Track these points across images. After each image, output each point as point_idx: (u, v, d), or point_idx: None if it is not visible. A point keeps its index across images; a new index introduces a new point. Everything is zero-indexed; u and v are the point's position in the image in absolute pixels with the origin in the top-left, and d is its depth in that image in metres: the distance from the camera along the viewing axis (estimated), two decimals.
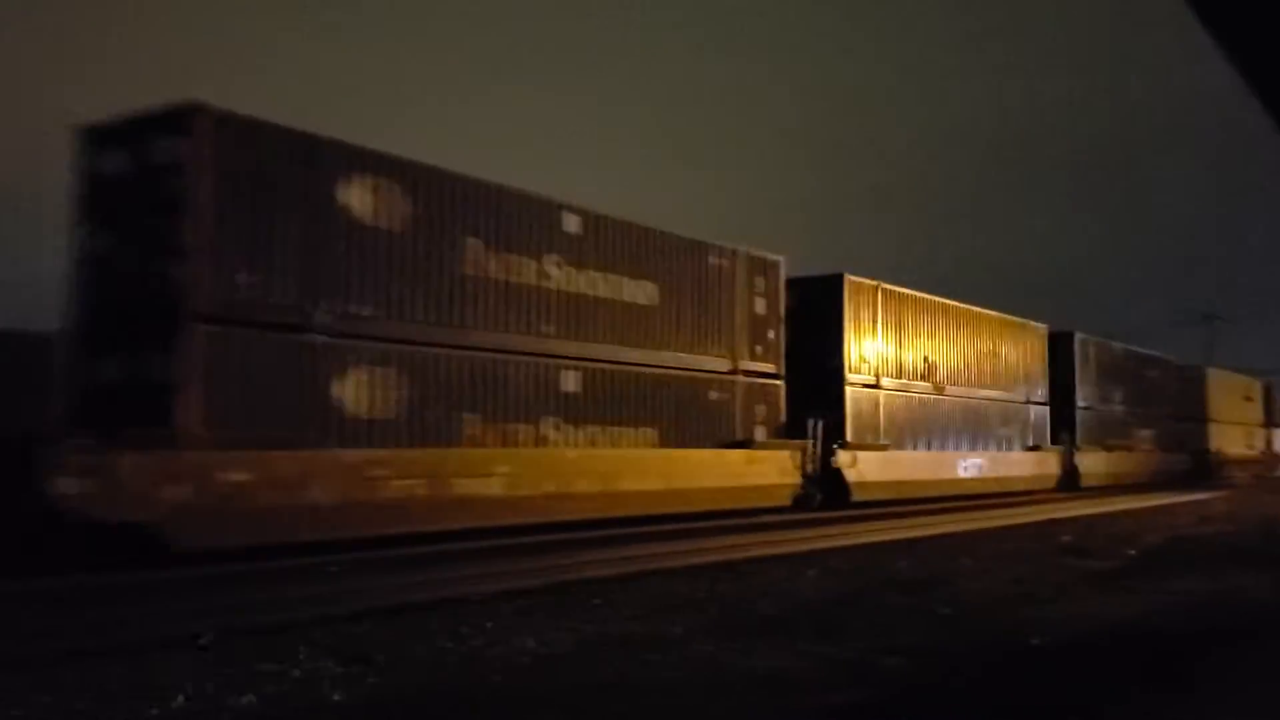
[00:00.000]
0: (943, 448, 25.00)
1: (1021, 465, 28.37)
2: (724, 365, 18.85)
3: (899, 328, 23.74)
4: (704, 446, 18.08)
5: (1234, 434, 45.42)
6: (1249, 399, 49.07)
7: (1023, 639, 7.96)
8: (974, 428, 26.39)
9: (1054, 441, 29.99)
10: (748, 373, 19.33)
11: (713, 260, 18.85)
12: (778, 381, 20.04)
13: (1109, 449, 32.88)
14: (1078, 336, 31.92)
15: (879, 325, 23.02)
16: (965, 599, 9.85)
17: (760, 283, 19.88)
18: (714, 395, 18.53)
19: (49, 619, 8.15)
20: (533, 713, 5.75)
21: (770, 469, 19.28)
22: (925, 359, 24.53)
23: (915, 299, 24.56)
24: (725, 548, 13.58)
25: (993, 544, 14.87)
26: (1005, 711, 5.98)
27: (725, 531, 15.37)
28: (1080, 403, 31.54)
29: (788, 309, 20.50)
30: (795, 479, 19.76)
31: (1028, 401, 29.16)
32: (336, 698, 5.88)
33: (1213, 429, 42.72)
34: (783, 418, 20.04)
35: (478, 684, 6.33)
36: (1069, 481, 29.96)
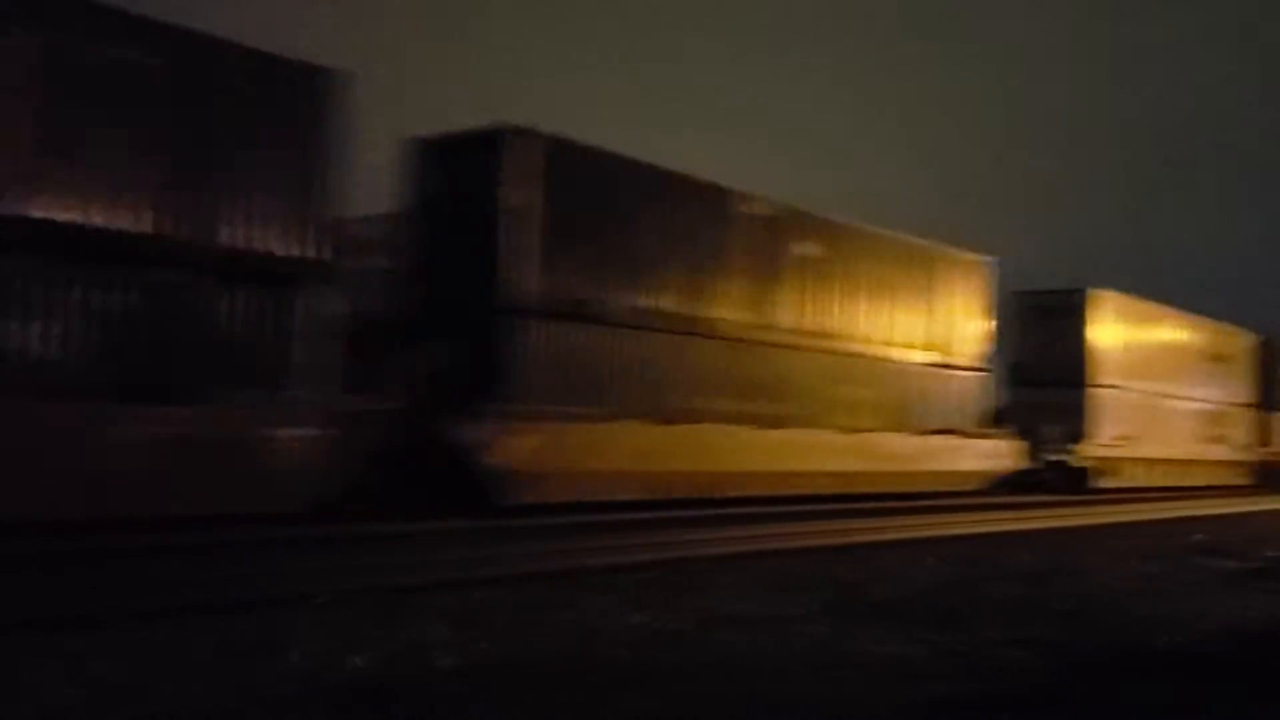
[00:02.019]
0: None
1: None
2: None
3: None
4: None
5: None
6: None
7: (1148, 639, 7.65)
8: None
9: None
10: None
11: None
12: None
13: None
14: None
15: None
16: (1094, 592, 9.53)
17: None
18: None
19: (184, 569, 8.48)
20: (642, 687, 5.71)
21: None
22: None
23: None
24: (841, 531, 13.42)
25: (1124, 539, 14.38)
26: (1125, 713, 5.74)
27: (841, 515, 15.18)
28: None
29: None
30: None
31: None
32: (448, 662, 5.95)
33: None
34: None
35: (590, 655, 6.34)
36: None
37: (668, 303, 15.78)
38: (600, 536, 11.48)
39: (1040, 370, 24.58)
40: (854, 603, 8.44)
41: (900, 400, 19.82)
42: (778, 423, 16.93)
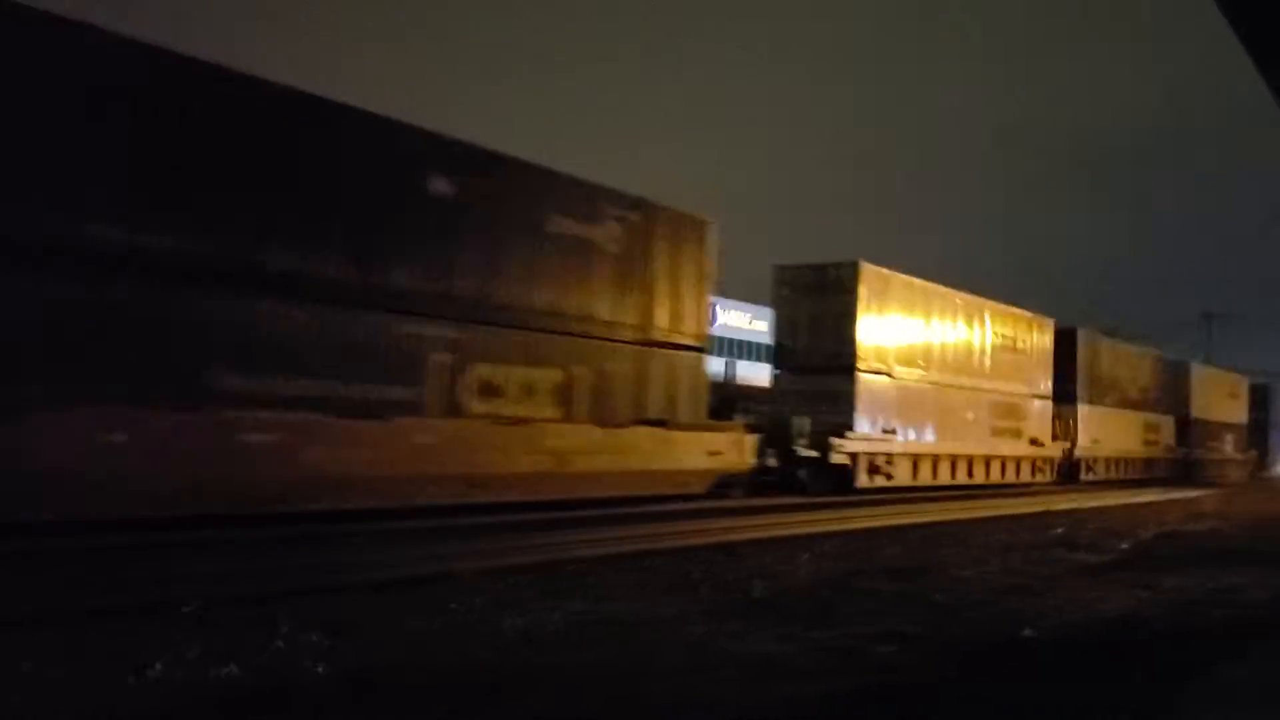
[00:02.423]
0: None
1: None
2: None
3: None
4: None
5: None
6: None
7: (1014, 630, 7.90)
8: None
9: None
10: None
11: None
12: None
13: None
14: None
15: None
16: (957, 587, 9.80)
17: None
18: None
19: (38, 576, 8.08)
20: (519, 692, 5.66)
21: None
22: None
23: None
24: (720, 530, 13.53)
25: (983, 534, 14.83)
26: (995, 703, 5.90)
27: (719, 514, 15.31)
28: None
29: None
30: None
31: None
32: (319, 670, 5.80)
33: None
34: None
35: (464, 661, 6.25)
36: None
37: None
38: (473, 539, 11.33)
39: (806, 355, 22.14)
40: (731, 601, 8.51)
41: (591, 384, 16.26)
42: (370, 410, 12.97)
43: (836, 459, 20.70)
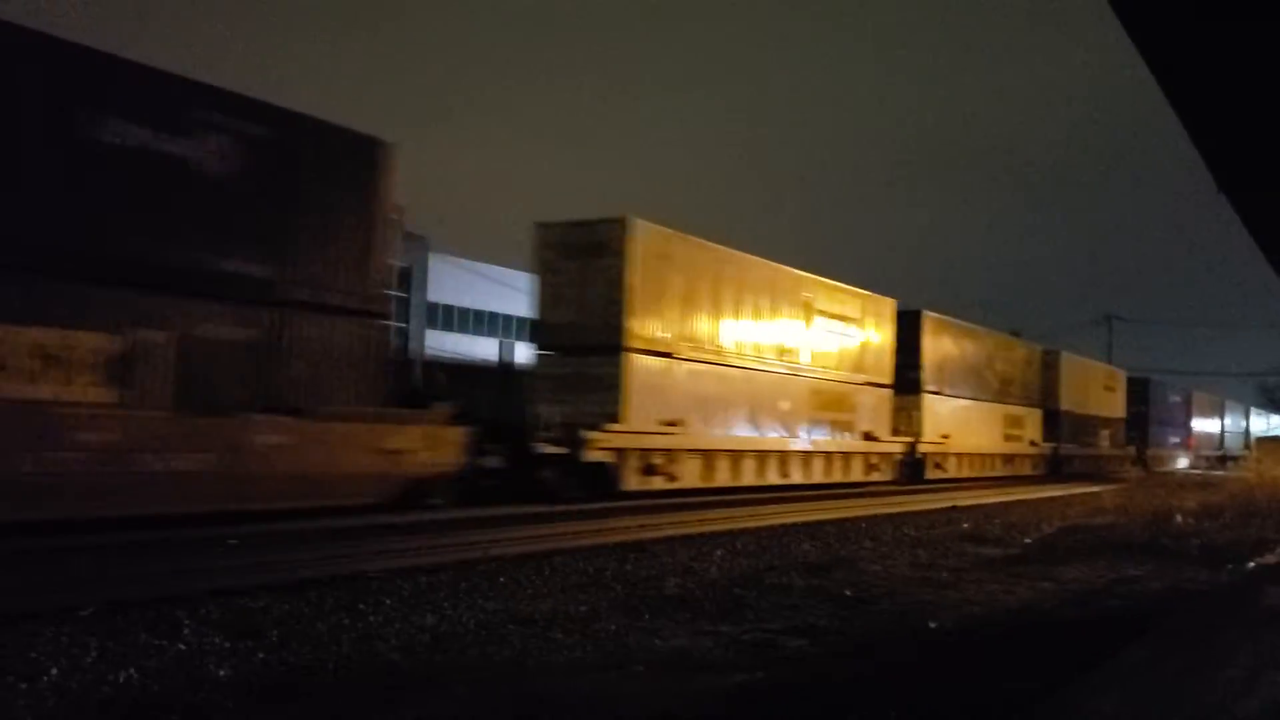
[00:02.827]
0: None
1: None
2: None
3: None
4: None
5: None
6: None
7: (922, 622, 8.05)
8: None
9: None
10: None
11: None
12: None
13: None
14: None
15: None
16: (867, 581, 9.96)
17: None
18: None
19: None
20: (428, 692, 5.60)
21: None
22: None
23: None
24: (635, 527, 13.54)
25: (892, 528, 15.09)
26: (902, 693, 6.01)
27: (635, 512, 15.31)
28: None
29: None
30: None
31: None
32: (222, 674, 5.68)
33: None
34: None
35: (373, 662, 6.17)
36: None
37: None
38: (382, 540, 11.16)
39: (569, 332, 18.05)
40: (645, 598, 8.53)
41: (173, 355, 11.87)
42: None
43: (593, 456, 16.82)
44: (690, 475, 19.12)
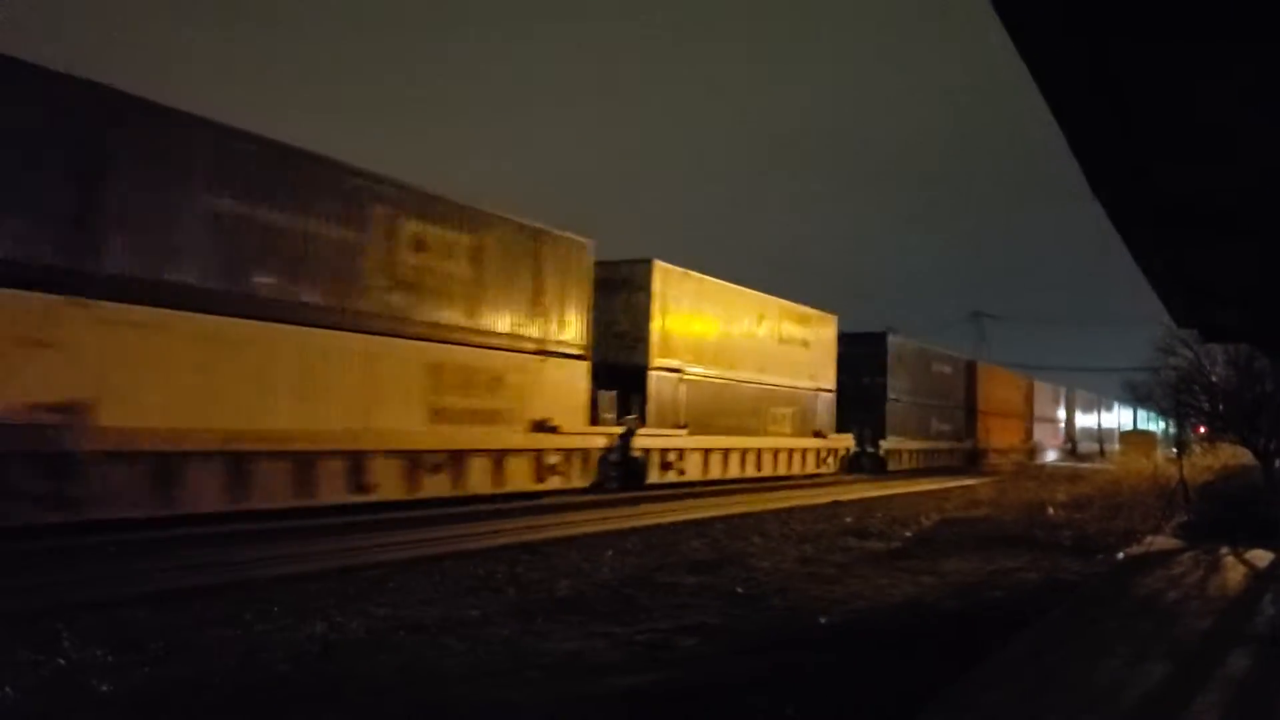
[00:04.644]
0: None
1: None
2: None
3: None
4: None
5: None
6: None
7: (812, 618, 8.20)
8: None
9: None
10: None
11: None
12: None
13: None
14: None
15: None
16: (756, 578, 10.10)
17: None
18: None
19: None
20: (318, 703, 5.50)
21: None
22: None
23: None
24: (525, 528, 13.48)
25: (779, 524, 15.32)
26: (793, 689, 6.12)
27: (525, 513, 15.25)
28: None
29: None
30: None
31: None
32: (105, 689, 5.48)
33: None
34: None
35: (258, 673, 6.03)
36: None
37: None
38: (266, 545, 10.92)
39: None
40: (537, 601, 8.51)
41: None
42: None
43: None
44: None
